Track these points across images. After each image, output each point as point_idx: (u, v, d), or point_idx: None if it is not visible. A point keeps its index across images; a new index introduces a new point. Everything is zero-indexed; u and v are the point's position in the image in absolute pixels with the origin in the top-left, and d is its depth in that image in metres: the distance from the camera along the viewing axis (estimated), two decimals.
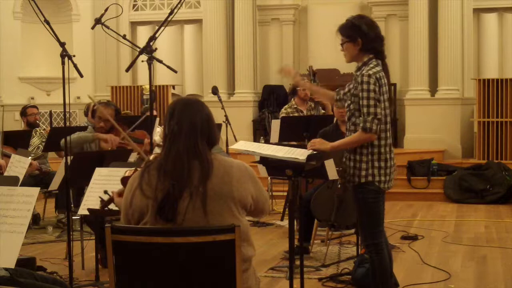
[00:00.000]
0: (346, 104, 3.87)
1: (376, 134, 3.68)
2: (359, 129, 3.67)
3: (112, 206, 3.12)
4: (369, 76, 3.65)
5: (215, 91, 8.39)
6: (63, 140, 5.23)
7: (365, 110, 3.65)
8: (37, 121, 8.27)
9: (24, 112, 8.19)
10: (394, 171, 3.85)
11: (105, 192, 3.12)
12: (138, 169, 2.77)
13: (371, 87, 3.64)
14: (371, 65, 3.72)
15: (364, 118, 3.65)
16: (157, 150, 5.44)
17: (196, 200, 2.55)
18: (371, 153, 3.72)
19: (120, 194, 2.89)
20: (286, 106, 7.47)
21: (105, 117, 5.65)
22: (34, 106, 8.39)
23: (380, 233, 3.84)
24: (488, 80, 9.67)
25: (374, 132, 3.65)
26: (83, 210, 4.23)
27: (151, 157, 2.79)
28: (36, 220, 7.21)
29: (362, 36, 3.73)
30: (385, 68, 3.78)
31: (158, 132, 6.97)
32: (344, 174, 3.84)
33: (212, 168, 2.59)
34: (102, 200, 3.15)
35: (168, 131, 2.66)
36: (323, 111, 7.15)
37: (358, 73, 3.76)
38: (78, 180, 4.80)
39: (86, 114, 7.46)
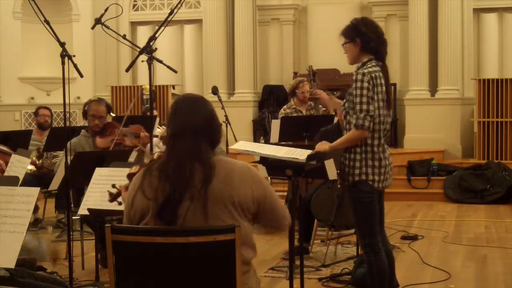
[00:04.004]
0: (342, 103, 3.89)
1: (368, 131, 3.69)
2: (352, 127, 3.70)
3: (119, 200, 3.12)
4: (363, 74, 3.70)
5: (215, 91, 8.38)
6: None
7: (357, 107, 3.68)
8: (47, 123, 7.92)
9: (36, 112, 8.04)
10: (390, 170, 3.86)
11: (113, 185, 3.12)
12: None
13: (365, 84, 3.68)
14: (369, 65, 3.77)
15: (356, 115, 3.68)
16: (157, 149, 5.44)
17: (196, 204, 2.53)
18: (365, 152, 3.75)
19: (127, 188, 2.88)
20: (284, 106, 7.45)
21: (100, 114, 5.63)
22: (47, 108, 8.11)
23: (376, 233, 3.84)
24: (488, 80, 9.67)
25: (366, 128, 3.67)
26: (83, 210, 4.23)
27: (155, 156, 2.76)
28: (36, 223, 7.14)
29: (360, 36, 3.79)
30: (384, 70, 3.80)
31: (158, 133, 6.96)
32: (342, 175, 3.85)
33: (214, 172, 2.55)
34: (110, 194, 3.16)
35: (171, 131, 2.64)
36: (323, 108, 7.13)
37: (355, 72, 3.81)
38: (78, 180, 4.80)
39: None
